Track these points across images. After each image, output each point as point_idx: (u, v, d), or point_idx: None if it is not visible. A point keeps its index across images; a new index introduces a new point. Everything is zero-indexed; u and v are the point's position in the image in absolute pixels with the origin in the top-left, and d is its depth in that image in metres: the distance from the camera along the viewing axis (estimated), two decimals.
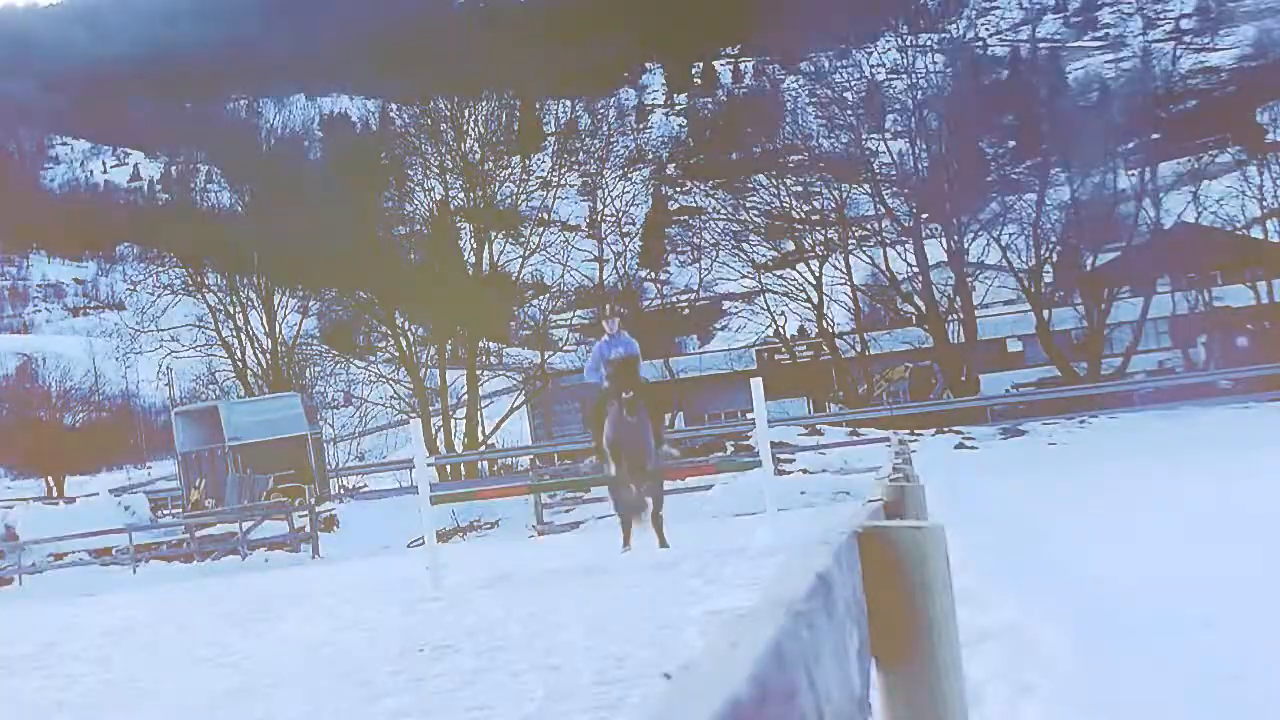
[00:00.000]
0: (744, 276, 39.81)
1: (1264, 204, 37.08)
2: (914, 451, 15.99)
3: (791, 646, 1.02)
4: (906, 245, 36.71)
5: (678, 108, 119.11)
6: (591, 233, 42.96)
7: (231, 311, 38.06)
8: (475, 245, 39.17)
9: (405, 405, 37.32)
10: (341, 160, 45.59)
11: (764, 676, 0.89)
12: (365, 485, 33.93)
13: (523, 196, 40.55)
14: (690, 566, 11.30)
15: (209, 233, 38.80)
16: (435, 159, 39.42)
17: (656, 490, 12.52)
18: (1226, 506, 9.62)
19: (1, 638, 12.68)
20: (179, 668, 8.92)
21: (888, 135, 38.48)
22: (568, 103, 51.65)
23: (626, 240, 41.32)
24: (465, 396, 37.22)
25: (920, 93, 37.21)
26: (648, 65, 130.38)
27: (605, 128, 45.14)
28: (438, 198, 39.81)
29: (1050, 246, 35.82)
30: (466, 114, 39.04)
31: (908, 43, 39.03)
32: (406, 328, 38.30)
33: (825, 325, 36.64)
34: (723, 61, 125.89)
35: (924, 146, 36.50)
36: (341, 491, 31.77)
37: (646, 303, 41.14)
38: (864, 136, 37.57)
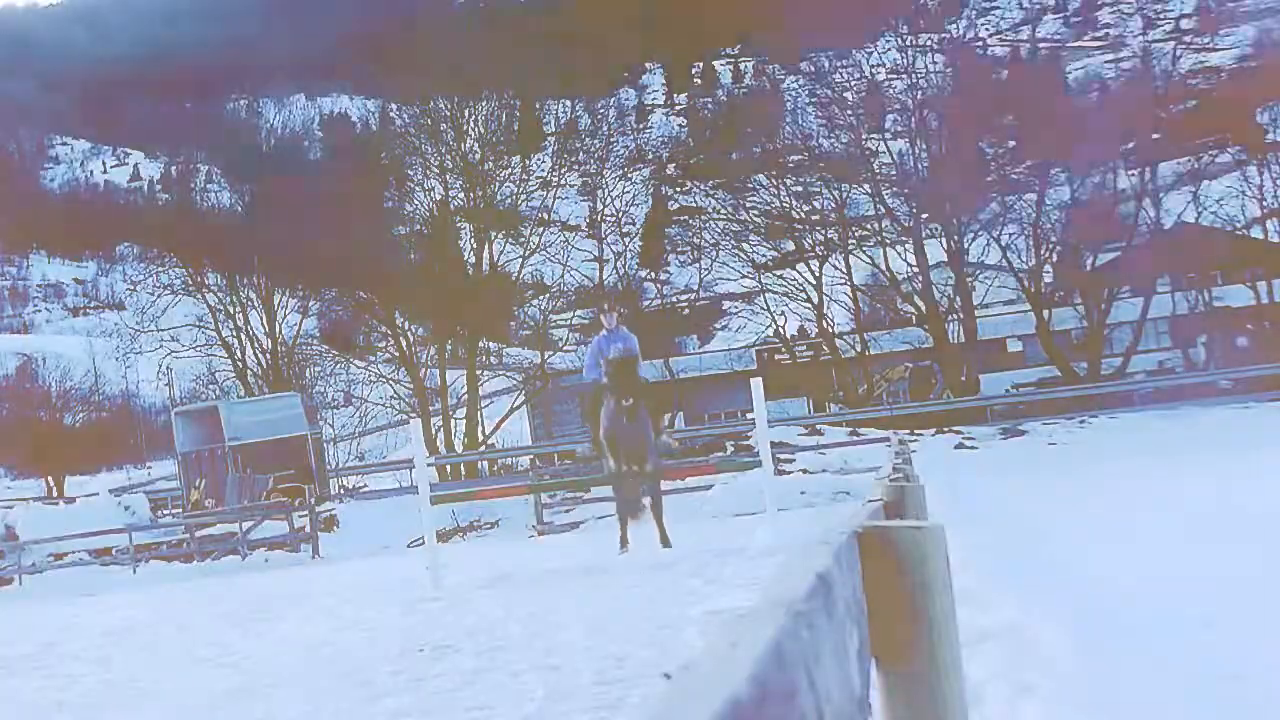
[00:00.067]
0: (744, 276, 39.80)
1: (1264, 204, 37.07)
2: (914, 451, 15.99)
3: (791, 646, 1.02)
4: (906, 245, 36.70)
5: (678, 108, 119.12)
6: (591, 233, 42.95)
7: (231, 311, 38.07)
8: (475, 245, 39.18)
9: (405, 405, 37.33)
10: (341, 160, 45.61)
11: (764, 676, 0.89)
12: (365, 485, 33.92)
13: (523, 196, 40.56)
14: (690, 566, 11.30)
15: (209, 233, 38.81)
16: (435, 159, 39.43)
17: (655, 490, 12.49)
18: (1226, 506, 9.61)
19: (1, 638, 12.68)
20: (179, 668, 8.92)
21: (888, 135, 38.48)
22: (568, 103, 51.66)
23: (626, 240, 41.33)
24: (465, 396, 37.22)
25: (920, 93, 37.20)
26: (648, 65, 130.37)
27: (605, 128, 45.17)
28: (438, 198, 39.81)
29: (1050, 246, 35.81)
30: (466, 114, 39.04)
31: (908, 43, 39.01)
32: (406, 328, 38.31)
33: (825, 325, 36.63)
34: (723, 61, 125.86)
35: (924, 146, 36.49)
36: (341, 491, 31.77)
37: (646, 303, 41.12)
38: (864, 136, 37.57)
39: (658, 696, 0.84)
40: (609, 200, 41.16)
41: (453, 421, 36.76)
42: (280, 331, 38.52)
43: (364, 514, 26.12)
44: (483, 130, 39.46)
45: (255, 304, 38.19)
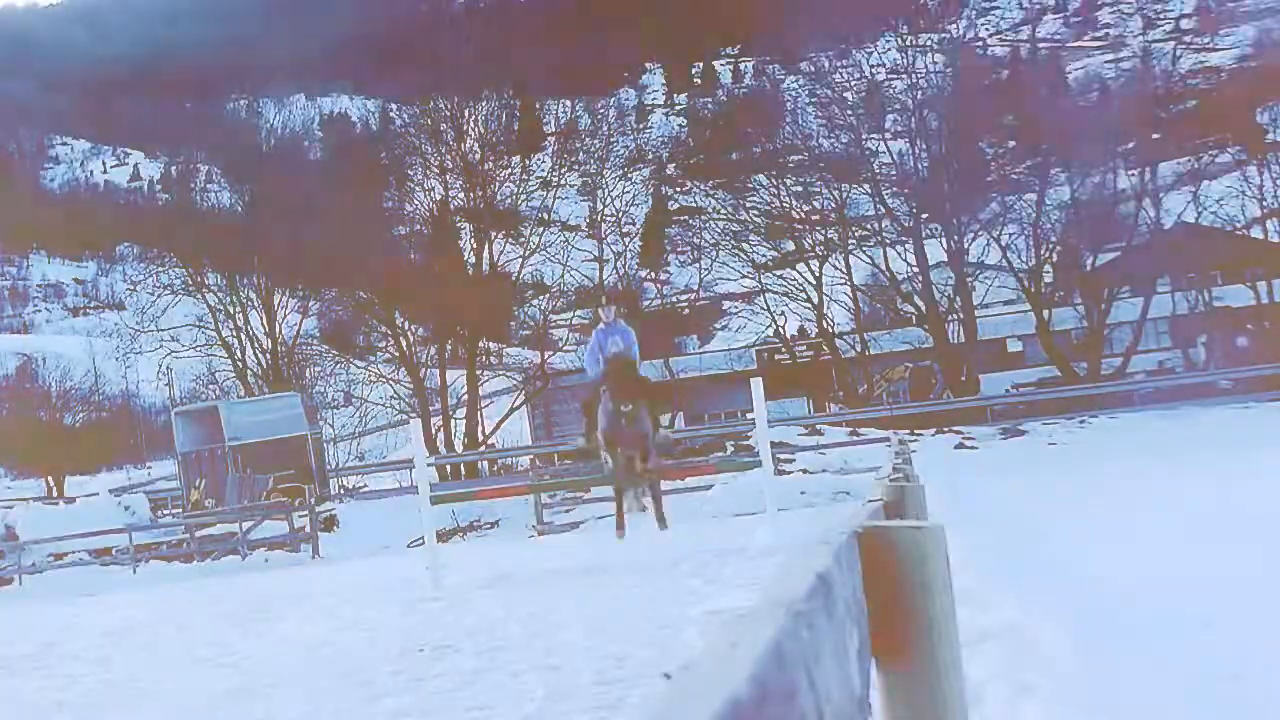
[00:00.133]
0: (744, 276, 39.79)
1: (1264, 204, 37.07)
2: (914, 451, 15.99)
3: (791, 646, 1.02)
4: (906, 245, 36.70)
5: (678, 108, 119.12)
6: (591, 233, 42.95)
7: (231, 311, 38.06)
8: (475, 245, 39.17)
9: (405, 405, 37.32)
10: (341, 160, 45.63)
11: (764, 676, 0.89)
12: (365, 485, 33.92)
13: (523, 196, 40.57)
14: (690, 566, 11.31)
15: (209, 233, 38.81)
16: (435, 159, 39.43)
17: (656, 484, 12.44)
18: (1226, 506, 9.61)
19: (1, 638, 12.69)
20: (179, 668, 8.92)
21: (888, 135, 38.47)
22: (568, 103, 51.63)
23: (626, 240, 41.32)
24: (465, 396, 37.21)
25: (920, 93, 37.20)
26: (648, 65, 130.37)
27: (605, 128, 45.13)
28: (438, 198, 39.82)
29: (1050, 246, 35.81)
30: (466, 114, 39.04)
31: (908, 43, 39.02)
32: (406, 328, 38.30)
33: (825, 325, 36.63)
34: (723, 61, 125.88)
35: (924, 146, 36.49)
36: (341, 491, 31.77)
37: (646, 303, 41.12)
38: (864, 136, 37.56)
39: (658, 696, 0.84)
40: (609, 200, 41.15)
41: (453, 421, 36.76)
42: (280, 331, 38.52)
43: (364, 514, 26.12)
44: (483, 130, 39.46)
45: (255, 304, 38.18)
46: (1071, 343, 35.62)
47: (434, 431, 34.90)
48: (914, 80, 37.70)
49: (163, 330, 38.81)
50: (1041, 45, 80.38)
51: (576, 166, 43.39)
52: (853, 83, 39.01)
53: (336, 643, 9.14)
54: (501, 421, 37.71)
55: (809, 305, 36.75)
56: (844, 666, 1.32)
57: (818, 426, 29.98)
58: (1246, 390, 29.48)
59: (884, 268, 36.58)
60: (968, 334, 35.47)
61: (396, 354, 38.23)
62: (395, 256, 39.58)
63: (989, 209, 36.37)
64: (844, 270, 36.97)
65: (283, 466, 27.63)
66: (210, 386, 39.16)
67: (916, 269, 35.86)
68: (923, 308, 35.85)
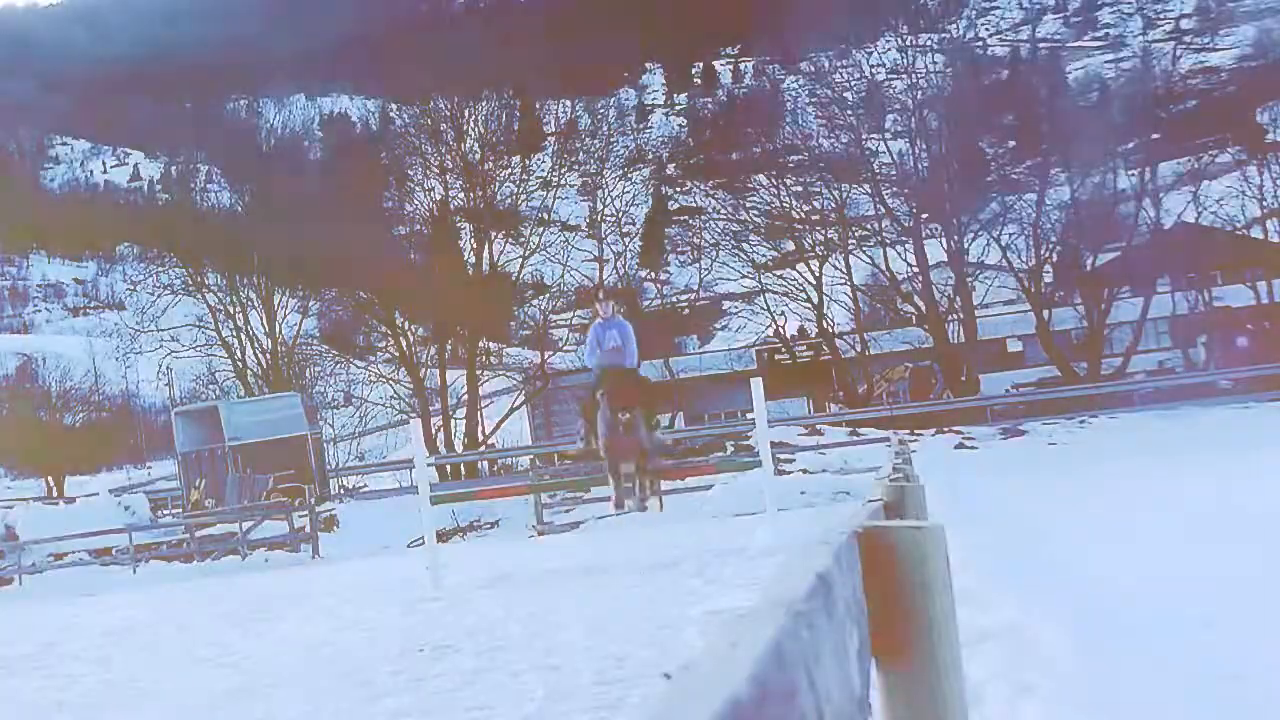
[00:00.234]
0: (744, 276, 39.79)
1: (1264, 204, 37.09)
2: (914, 451, 15.99)
3: (791, 646, 1.02)
4: (906, 245, 36.70)
5: (678, 108, 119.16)
6: (591, 233, 42.95)
7: (231, 311, 38.06)
8: (475, 245, 39.17)
9: (405, 405, 37.32)
10: (341, 160, 45.64)
11: (764, 676, 0.89)
12: (365, 485, 33.92)
13: (523, 196, 40.56)
14: (690, 566, 11.31)
15: (209, 233, 38.81)
16: (435, 159, 39.43)
17: (656, 485, 12.41)
18: (1226, 506, 9.61)
19: (1, 638, 12.69)
20: (179, 668, 8.92)
21: (888, 135, 38.47)
22: (568, 103, 51.68)
23: (626, 240, 41.33)
24: (465, 396, 37.21)
25: (920, 93, 37.20)
26: (648, 65, 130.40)
27: (605, 128, 45.14)
28: (438, 198, 39.82)
29: (1050, 246, 35.81)
30: (466, 114, 39.04)
31: (908, 43, 39.02)
32: (406, 328, 38.30)
33: (825, 325, 36.62)
34: (723, 61, 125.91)
35: (924, 146, 36.49)
36: (341, 491, 31.77)
37: (646, 303, 41.11)
38: (864, 136, 37.56)
39: (658, 696, 0.84)
40: (609, 200, 41.16)
41: (453, 421, 36.76)
42: (280, 331, 38.51)
43: (364, 514, 26.10)
44: (483, 130, 39.46)
45: (255, 304, 38.18)
46: (1071, 343, 35.62)
47: (434, 431, 34.90)
48: (914, 80, 37.70)
49: (163, 330, 38.80)
50: (1041, 45, 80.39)
51: (576, 166, 43.39)
52: (853, 83, 39.00)
53: (336, 643, 9.14)
54: (501, 421, 37.71)
55: (809, 305, 36.75)
56: (844, 666, 1.32)
57: (818, 426, 29.98)
58: (1246, 390, 29.48)
59: (884, 268, 36.58)
60: (968, 334, 35.46)
61: (396, 354, 38.23)
62: (395, 256, 39.57)
63: (989, 209, 36.37)
64: (844, 270, 36.97)
65: (283, 466, 27.61)
66: (210, 386, 39.15)
67: (916, 269, 35.86)
68: (923, 308, 35.85)
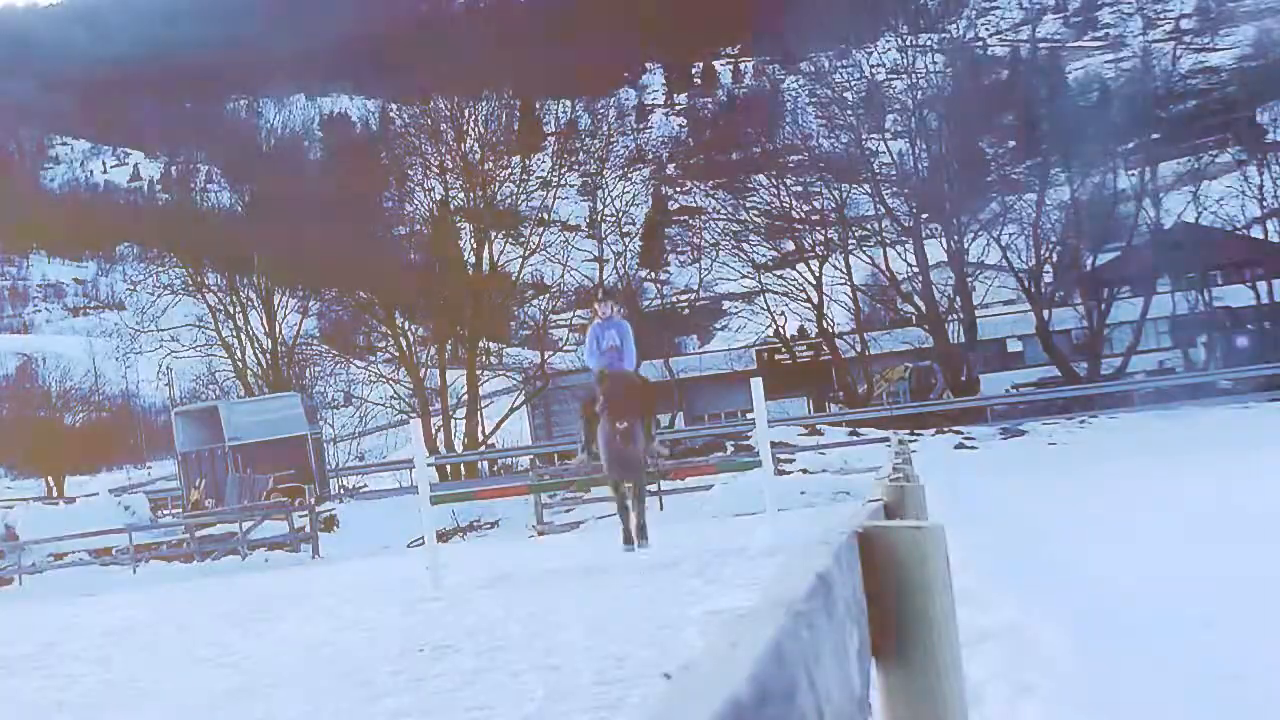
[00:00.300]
0: (744, 276, 39.79)
1: (1264, 204, 37.09)
2: (914, 451, 15.98)
3: (791, 646, 1.02)
4: (906, 245, 36.70)
5: (678, 108, 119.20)
6: (591, 233, 42.94)
7: (231, 311, 38.06)
8: (475, 245, 39.16)
9: (405, 405, 37.32)
10: (342, 160, 45.64)
11: (764, 676, 0.89)
12: (365, 485, 33.92)
13: (523, 196, 40.55)
14: (690, 566, 11.31)
15: (209, 233, 38.81)
16: (435, 159, 39.43)
17: (642, 494, 12.22)
18: (1226, 506, 9.61)
19: (1, 638, 12.69)
20: (179, 668, 8.92)
21: (888, 135, 38.47)
22: (568, 103, 51.71)
23: (626, 240, 41.30)
24: (465, 396, 37.21)
25: (920, 93, 37.20)
26: (648, 65, 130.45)
27: (605, 128, 45.14)
28: (438, 198, 39.81)
29: (1050, 246, 35.82)
30: (466, 114, 39.03)
31: (908, 43, 39.01)
32: (406, 328, 38.30)
33: (825, 325, 36.62)
34: (723, 61, 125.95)
35: (924, 146, 36.49)
36: (341, 491, 31.77)
37: (646, 303, 41.10)
38: (864, 136, 37.55)
39: (658, 696, 0.84)
40: (609, 200, 41.15)
41: (453, 421, 36.75)
42: (280, 331, 38.51)
43: (364, 514, 26.10)
44: (483, 130, 39.46)
45: (255, 304, 38.18)
46: (1071, 343, 35.63)
47: (434, 431, 34.90)
48: (914, 80, 37.69)
49: (163, 330, 38.80)
50: (1041, 45, 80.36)
51: (576, 166, 43.38)
52: (853, 83, 39.00)
53: (336, 643, 9.14)
54: (501, 421, 37.71)
55: (809, 305, 36.74)
56: (844, 666, 1.32)
57: (818, 426, 29.99)
58: (1246, 390, 29.48)
59: (884, 268, 36.58)
60: (968, 334, 35.46)
61: (396, 354, 38.23)
62: (395, 256, 39.57)
63: (989, 209, 36.36)
64: (844, 270, 36.97)
65: (283, 466, 27.61)
66: (210, 386, 39.15)
67: (916, 269, 35.85)
68: (923, 308, 35.84)
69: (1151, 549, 7.63)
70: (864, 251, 37.46)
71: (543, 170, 43.09)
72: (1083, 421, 28.75)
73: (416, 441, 13.79)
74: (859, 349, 36.40)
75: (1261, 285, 35.38)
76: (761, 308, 39.77)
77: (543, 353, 38.62)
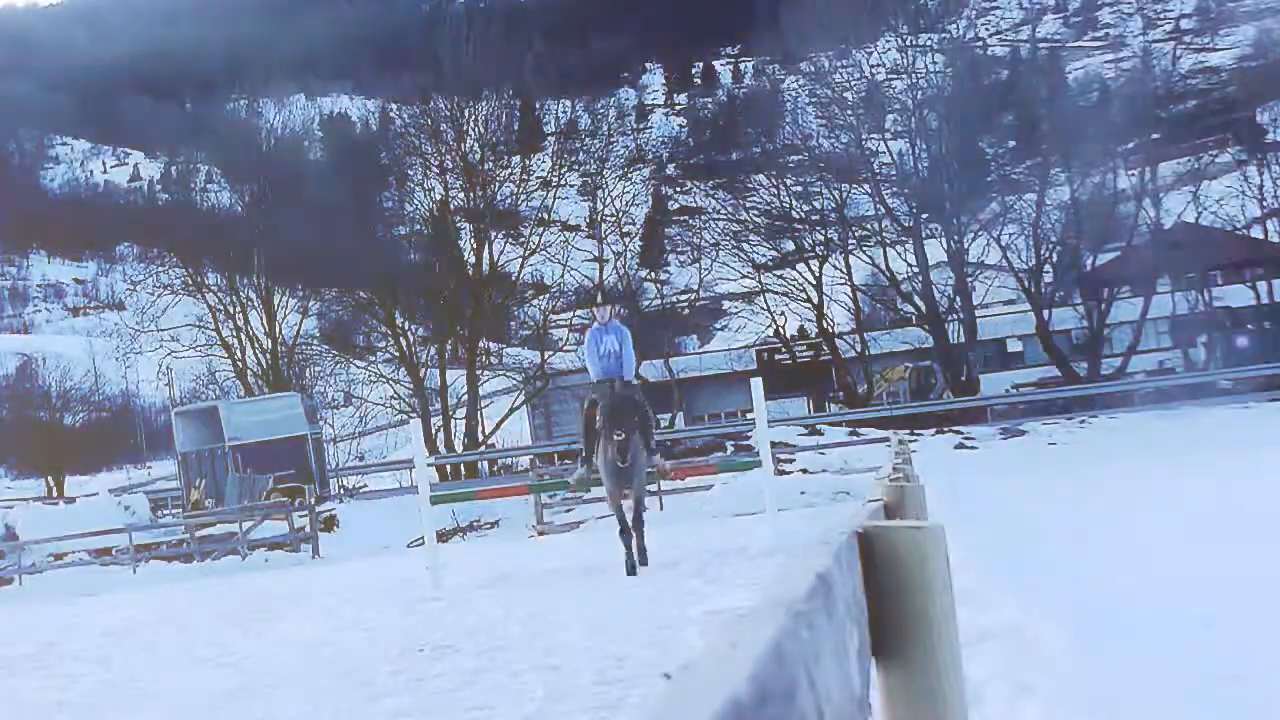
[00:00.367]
0: (744, 276, 39.80)
1: (1264, 204, 37.09)
2: (914, 451, 15.98)
3: (791, 646, 1.02)
4: (906, 245, 36.70)
5: (678, 108, 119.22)
6: (591, 233, 42.94)
7: (231, 311, 38.07)
8: (475, 245, 39.17)
9: (405, 405, 37.33)
10: (342, 160, 45.62)
11: (764, 676, 0.89)
12: (365, 485, 33.93)
13: (523, 196, 40.55)
14: (690, 566, 11.31)
15: (209, 233, 38.81)
16: (435, 159, 39.43)
17: (639, 509, 12.06)
18: (1226, 506, 9.61)
19: (1, 638, 12.69)
20: (179, 668, 8.92)
21: (888, 135, 38.47)
22: (568, 103, 51.65)
23: (626, 240, 41.30)
24: (465, 396, 37.22)
25: (920, 93, 37.20)
26: (648, 65, 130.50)
27: (605, 128, 45.12)
28: (438, 198, 39.81)
29: (1050, 246, 35.82)
30: (466, 114, 39.03)
31: (908, 43, 39.01)
32: (406, 328, 38.30)
33: (825, 325, 36.63)
34: (723, 61, 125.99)
35: (924, 146, 36.49)
36: (341, 491, 31.77)
37: (646, 303, 41.10)
38: (864, 136, 37.55)
39: (658, 696, 0.84)
40: (609, 200, 41.15)
41: (453, 421, 36.76)
42: (280, 331, 38.51)
43: (364, 514, 26.10)
44: (483, 130, 39.45)
45: (255, 304, 38.19)
46: (1071, 343, 35.62)
47: (434, 431, 34.91)
48: (914, 80, 37.68)
49: (163, 330, 38.81)
50: (1041, 45, 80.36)
51: (576, 166, 43.37)
52: (853, 83, 38.99)
53: (336, 643, 9.14)
54: (501, 421, 37.72)
55: (809, 305, 36.74)
56: (844, 666, 1.32)
57: (818, 426, 29.98)
58: (1246, 390, 29.48)
59: (884, 268, 36.58)
60: (968, 334, 35.46)
61: (396, 354, 38.24)
62: (395, 256, 39.57)
63: (989, 209, 36.36)
64: (844, 270, 36.97)
65: (283, 466, 27.62)
66: (210, 386, 39.16)
67: (916, 269, 35.85)
68: (923, 308, 35.85)
69: (1151, 549, 7.63)
70: (864, 251, 37.46)
71: (543, 170, 43.08)
72: (1083, 421, 28.75)
73: (416, 441, 13.79)
74: (859, 349, 36.40)
75: (1261, 285, 35.38)
76: (761, 308, 39.77)
77: (543, 353, 38.63)
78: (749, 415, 19.50)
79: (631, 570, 11.43)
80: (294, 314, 39.60)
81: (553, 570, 12.93)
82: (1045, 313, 34.63)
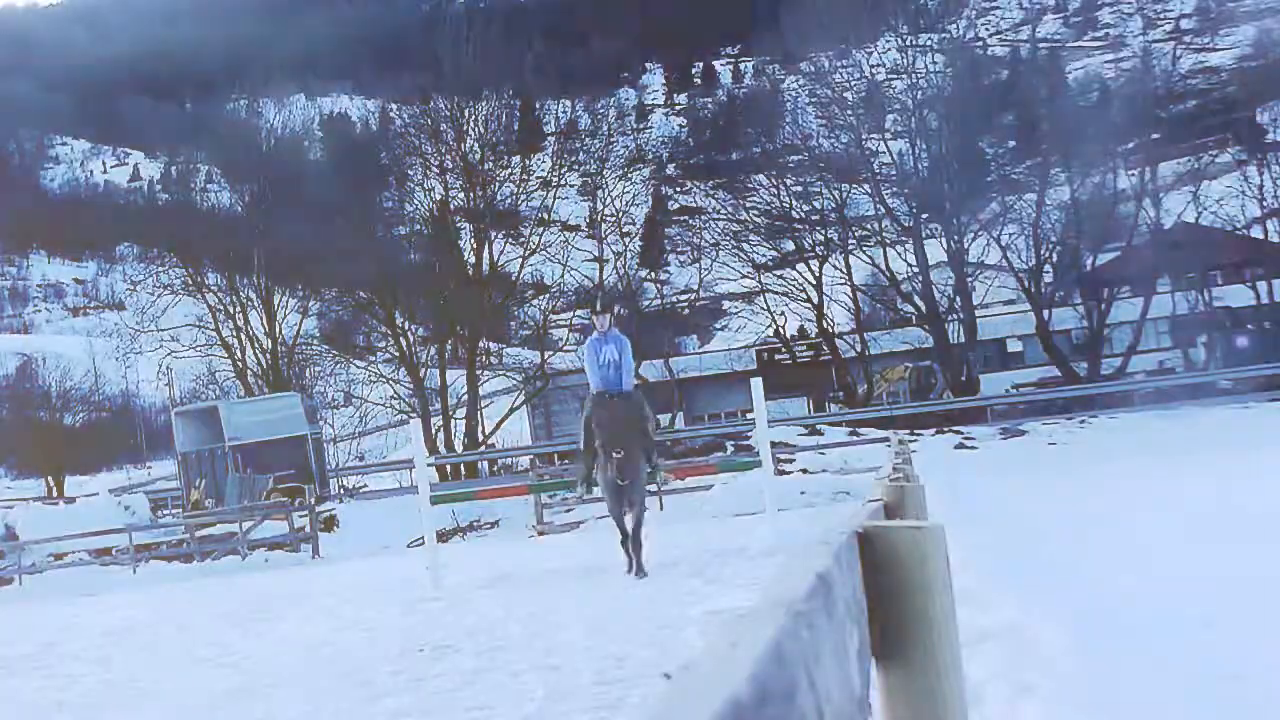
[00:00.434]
0: (744, 276, 39.80)
1: (1264, 204, 37.08)
2: (914, 451, 15.98)
3: (791, 646, 1.02)
4: (906, 245, 36.71)
5: (678, 108, 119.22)
6: (591, 233, 42.94)
7: (231, 311, 38.07)
8: (475, 245, 39.18)
9: (405, 405, 37.33)
10: (341, 160, 45.64)
11: (764, 676, 0.89)
12: (365, 485, 33.92)
13: (523, 196, 40.55)
14: (690, 566, 11.31)
15: (209, 233, 38.81)
16: (435, 159, 39.43)
17: (638, 520, 11.97)
18: (1226, 506, 9.61)
19: (1, 638, 12.69)
20: (179, 668, 8.92)
21: (888, 135, 38.47)
22: (568, 103, 51.66)
23: (626, 240, 41.31)
24: (465, 396, 37.22)
25: (920, 93, 37.20)
26: (648, 65, 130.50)
27: (605, 128, 45.12)
28: (438, 198, 39.82)
29: (1050, 246, 35.83)
30: (466, 114, 39.04)
31: (908, 43, 39.01)
32: (406, 328, 38.30)
33: (825, 325, 36.63)
34: (723, 61, 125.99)
35: (924, 146, 36.50)
36: (341, 491, 31.77)
37: (646, 303, 41.11)
38: (864, 136, 37.56)
39: (658, 696, 0.84)
40: (609, 200, 41.15)
41: (453, 421, 36.76)
42: (280, 331, 38.51)
43: (364, 514, 26.09)
44: (483, 130, 39.46)
45: (255, 304, 38.19)
46: (1071, 343, 35.62)
47: (434, 431, 34.90)
48: (914, 80, 37.69)
49: (163, 330, 38.80)
50: (1041, 45, 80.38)
51: (576, 166, 43.38)
52: (853, 83, 39.00)
53: (336, 643, 9.14)
54: (501, 421, 37.71)
55: (809, 305, 36.75)
56: (844, 666, 1.32)
57: (818, 426, 29.98)
58: (1246, 390, 29.48)
59: (884, 268, 36.58)
60: (968, 334, 35.47)
61: (396, 354, 38.24)
62: (395, 256, 39.58)
63: (989, 209, 36.36)
64: (844, 270, 36.98)
65: (283, 466, 27.62)
66: (210, 386, 39.16)
67: (916, 269, 35.86)
68: (923, 308, 35.85)
69: (1151, 549, 7.63)
70: (864, 251, 37.47)
71: (543, 170, 43.09)
72: (1083, 421, 28.74)
73: (416, 441, 13.79)
74: (859, 349, 36.40)
75: (1261, 285, 35.38)
76: (761, 308, 39.77)
77: (543, 353, 38.62)
78: (749, 415, 19.50)
79: (630, 569, 11.40)
80: (294, 314, 39.61)
81: (553, 570, 12.93)
82: (1045, 313, 34.64)
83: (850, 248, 37.25)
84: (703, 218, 43.99)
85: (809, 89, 42.85)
